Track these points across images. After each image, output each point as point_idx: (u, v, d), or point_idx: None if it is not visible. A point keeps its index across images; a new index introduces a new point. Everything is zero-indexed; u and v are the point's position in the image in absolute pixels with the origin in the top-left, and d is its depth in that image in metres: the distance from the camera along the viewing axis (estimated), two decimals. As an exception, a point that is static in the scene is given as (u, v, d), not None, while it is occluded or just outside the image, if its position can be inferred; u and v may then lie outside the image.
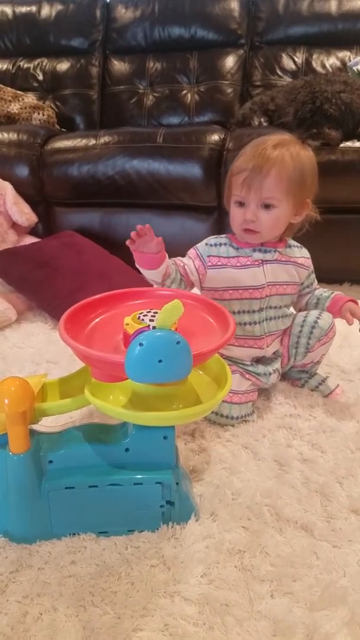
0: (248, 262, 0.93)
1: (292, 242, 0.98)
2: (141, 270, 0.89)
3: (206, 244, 0.96)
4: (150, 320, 0.60)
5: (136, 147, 1.69)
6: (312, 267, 1.00)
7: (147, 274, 0.89)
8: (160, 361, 0.55)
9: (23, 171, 1.75)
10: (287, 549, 0.67)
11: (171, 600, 0.59)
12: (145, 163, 1.66)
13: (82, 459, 0.66)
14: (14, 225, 1.72)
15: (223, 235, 0.97)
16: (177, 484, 0.67)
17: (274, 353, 1.00)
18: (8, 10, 2.29)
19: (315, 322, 0.96)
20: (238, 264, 0.93)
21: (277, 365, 1.00)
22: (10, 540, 0.68)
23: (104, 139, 1.74)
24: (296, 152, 0.87)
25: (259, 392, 1.01)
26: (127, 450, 0.66)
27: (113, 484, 0.66)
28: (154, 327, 0.57)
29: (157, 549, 0.67)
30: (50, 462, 0.66)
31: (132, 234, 0.84)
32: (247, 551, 0.67)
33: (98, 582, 0.61)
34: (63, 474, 0.66)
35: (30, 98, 2.12)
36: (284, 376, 1.06)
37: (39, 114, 2.07)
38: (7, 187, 1.68)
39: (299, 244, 1.00)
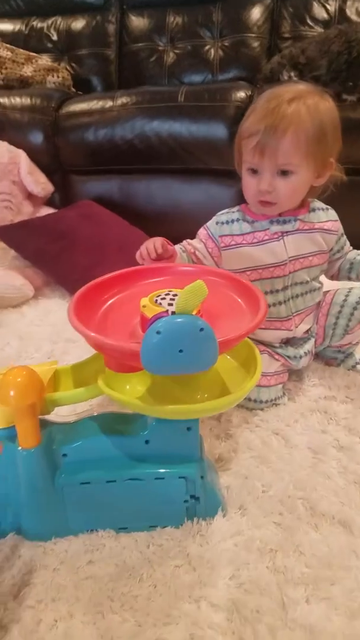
0: (266, 237, 0.83)
1: (317, 204, 0.87)
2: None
3: (217, 222, 0.87)
4: (169, 305, 0.52)
5: (156, 108, 1.59)
6: (341, 229, 0.89)
7: None
8: (181, 351, 0.48)
9: (37, 138, 1.67)
10: (324, 548, 0.61)
11: (197, 607, 0.54)
12: (166, 124, 1.56)
13: (98, 452, 0.61)
14: (30, 195, 1.65)
15: (235, 209, 0.87)
16: (202, 477, 0.62)
17: (307, 331, 0.92)
18: (19, -35, 2.16)
19: (358, 302, 0.87)
20: (255, 240, 0.84)
21: (308, 346, 0.92)
22: (25, 537, 0.64)
23: (122, 100, 1.63)
24: (314, 105, 0.75)
25: (290, 373, 0.93)
26: (147, 442, 0.61)
27: (132, 478, 0.61)
28: (173, 313, 0.50)
29: (181, 547, 0.62)
30: (65, 455, 0.61)
31: (143, 253, 0.78)
32: (279, 550, 0.61)
33: (117, 585, 0.57)
34: (78, 469, 0.61)
35: (45, 60, 2.02)
36: (317, 355, 0.99)
37: (53, 76, 1.97)
38: (20, 156, 1.61)
39: (324, 206, 0.88)
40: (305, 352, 0.91)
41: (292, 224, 0.83)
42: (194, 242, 0.87)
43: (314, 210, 0.86)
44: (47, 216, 1.56)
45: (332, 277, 0.94)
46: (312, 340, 0.92)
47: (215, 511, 0.65)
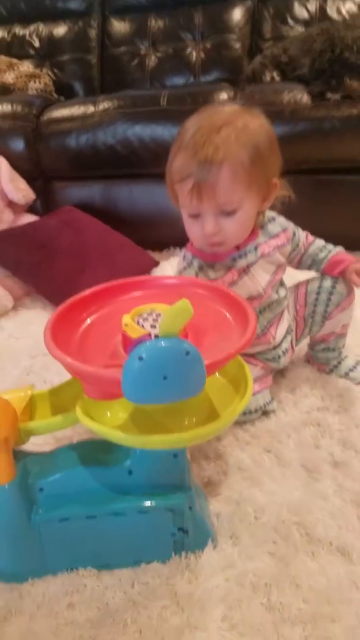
0: (235, 276, 0.77)
1: (265, 220, 0.81)
2: None
3: (179, 272, 0.80)
4: (152, 327, 0.48)
5: (138, 112, 1.55)
6: (292, 230, 0.83)
7: None
8: (165, 378, 0.44)
9: (18, 145, 1.62)
10: (322, 580, 0.58)
11: (187, 654, 0.50)
12: (148, 129, 1.52)
13: (78, 485, 0.57)
14: (10, 203, 1.60)
15: (189, 256, 0.79)
16: (190, 508, 0.58)
17: (286, 332, 0.88)
18: (0, -28, 2.11)
19: (333, 287, 0.84)
20: (228, 281, 0.77)
21: (286, 344, 0.88)
22: (-1, 578, 0.59)
23: (103, 104, 1.59)
24: (245, 129, 0.68)
25: (279, 383, 0.90)
26: (130, 472, 0.56)
27: (115, 513, 0.56)
28: (156, 336, 0.46)
29: (168, 585, 0.57)
30: (41, 490, 0.56)
31: None
32: (274, 584, 0.57)
33: (100, 633, 0.52)
34: (56, 504, 0.56)
35: (26, 66, 1.99)
36: (308, 361, 0.95)
37: (35, 82, 1.94)
38: (1, 163, 1.56)
39: (270, 216, 0.82)
40: (283, 351, 0.87)
41: (254, 253, 0.78)
42: None
43: (262, 227, 0.80)
44: (27, 225, 1.50)
45: (295, 267, 0.90)
46: (290, 336, 0.89)
47: (205, 543, 0.60)
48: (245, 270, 0.78)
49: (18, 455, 0.56)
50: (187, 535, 0.58)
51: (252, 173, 0.69)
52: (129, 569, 0.59)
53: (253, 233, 0.78)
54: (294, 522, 0.64)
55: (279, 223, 0.82)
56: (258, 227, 0.80)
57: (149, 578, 0.58)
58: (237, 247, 0.77)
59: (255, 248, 0.78)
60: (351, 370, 0.92)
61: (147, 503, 0.56)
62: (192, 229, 0.75)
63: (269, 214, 0.82)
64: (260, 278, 0.79)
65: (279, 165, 0.74)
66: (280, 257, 0.82)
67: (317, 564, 0.59)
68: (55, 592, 0.57)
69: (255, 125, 0.71)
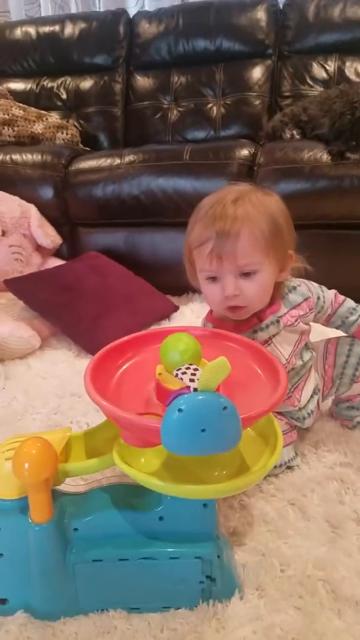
0: None
1: (285, 290, 0.81)
2: None
3: None
4: (191, 381, 0.51)
5: (162, 165, 1.63)
6: (316, 295, 0.84)
7: None
8: (203, 430, 0.46)
9: (47, 193, 1.71)
10: (349, 639, 0.58)
11: None
12: (171, 181, 1.60)
13: (110, 527, 0.59)
14: (39, 247, 1.68)
15: (210, 325, 0.80)
16: (218, 557, 0.59)
17: (312, 394, 0.88)
18: (32, 30, 2.27)
19: None
20: None
21: (312, 406, 0.88)
22: (33, 616, 0.61)
23: (129, 157, 1.68)
24: (260, 202, 0.72)
25: (303, 436, 0.91)
26: (161, 518, 0.58)
27: (146, 557, 0.58)
28: (195, 389, 0.49)
29: (197, 632, 0.58)
30: (76, 530, 0.58)
31: None
32: (301, 639, 0.57)
33: None
34: (90, 545, 0.58)
35: (54, 117, 2.09)
36: (332, 415, 0.97)
37: (62, 133, 2.04)
38: (31, 210, 1.64)
39: (291, 286, 0.82)
40: (309, 413, 0.88)
41: (275, 325, 0.78)
42: None
43: (283, 297, 0.81)
44: (55, 268, 1.57)
45: (323, 324, 0.90)
46: (316, 396, 0.90)
47: (232, 592, 0.61)
48: (267, 341, 0.78)
49: (55, 495, 0.58)
50: (214, 583, 0.60)
51: (270, 241, 0.71)
52: (158, 614, 0.60)
53: (275, 304, 0.79)
54: (320, 578, 0.65)
55: (301, 292, 0.82)
56: (279, 298, 0.80)
57: (178, 624, 0.59)
58: (259, 319, 0.78)
59: (277, 320, 0.78)
60: None
61: (177, 549, 0.58)
62: (212, 293, 0.75)
63: (290, 283, 0.82)
64: (282, 349, 0.79)
65: (294, 238, 0.76)
66: (303, 325, 0.82)
67: (344, 622, 0.59)
68: (87, 632, 0.58)
69: (270, 200, 0.74)
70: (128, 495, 0.61)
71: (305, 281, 0.85)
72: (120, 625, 0.59)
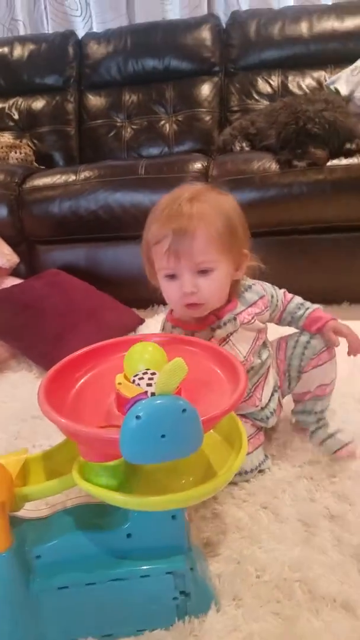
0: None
1: (241, 289, 0.83)
2: None
3: None
4: (148, 385, 0.50)
5: (118, 180, 1.64)
6: (269, 295, 0.85)
7: None
8: (163, 436, 0.45)
9: (1, 211, 1.68)
10: (328, 638, 0.56)
11: None
12: (128, 196, 1.61)
13: (75, 551, 0.56)
14: (-6, 268, 1.63)
15: (169, 326, 0.81)
16: (191, 569, 0.57)
17: (272, 392, 0.88)
18: (-20, 53, 2.25)
19: (308, 341, 0.85)
20: None
21: (273, 404, 0.87)
22: (-4, 654, 0.56)
23: (85, 174, 1.68)
24: (215, 201, 0.74)
25: (270, 437, 0.91)
26: (128, 536, 0.56)
27: (115, 578, 0.55)
28: (152, 394, 0.47)
29: (173, 653, 0.55)
30: (38, 557, 0.55)
31: None
32: (281, 646, 0.56)
33: None
34: (54, 571, 0.55)
35: (7, 137, 2.07)
36: (294, 428, 0.94)
37: (15, 152, 2.02)
38: (-16, 230, 1.60)
39: (247, 285, 0.83)
40: (271, 412, 0.87)
41: (233, 323, 0.79)
42: None
43: (239, 296, 0.82)
44: (13, 287, 1.53)
45: (275, 324, 0.90)
46: (276, 394, 0.89)
47: (208, 606, 0.59)
48: (225, 339, 0.79)
49: (14, 522, 0.55)
50: (189, 598, 0.57)
51: (225, 239, 0.73)
52: (132, 638, 0.57)
53: (231, 303, 0.80)
54: (296, 580, 0.63)
55: (256, 291, 0.84)
56: (235, 296, 0.81)
57: (153, 647, 0.56)
58: (217, 317, 0.79)
59: (235, 318, 0.79)
60: (328, 438, 0.88)
61: (147, 566, 0.55)
62: (169, 290, 0.76)
63: (246, 282, 0.83)
64: (240, 347, 0.80)
65: (248, 237, 0.78)
66: (260, 323, 0.83)
67: (322, 621, 0.58)
68: (55, 669, 0.54)
69: (225, 199, 0.76)
70: (93, 516, 0.59)
71: (259, 281, 0.86)
72: (92, 655, 0.56)
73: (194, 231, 0.71)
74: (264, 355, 0.85)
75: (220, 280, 0.75)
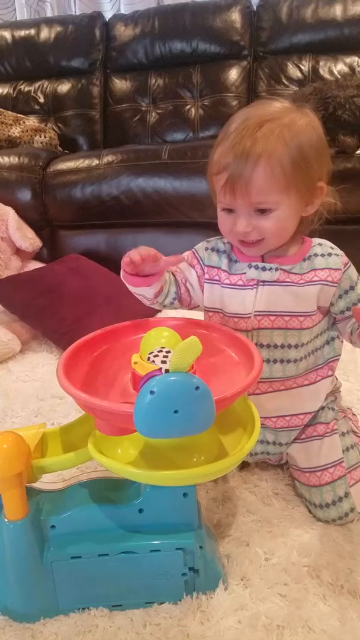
0: (240, 282, 0.70)
1: (319, 249, 0.70)
2: (129, 286, 0.72)
3: (206, 249, 0.75)
4: (163, 362, 0.50)
5: (141, 165, 1.63)
6: (350, 280, 0.70)
7: (137, 290, 0.72)
8: (176, 412, 0.45)
9: (25, 195, 1.70)
10: (334, 623, 0.57)
11: None
12: (150, 181, 1.60)
13: (89, 523, 0.57)
14: (18, 251, 1.66)
15: (225, 240, 0.74)
16: (200, 547, 0.58)
17: (280, 419, 0.74)
18: (7, 34, 2.26)
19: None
20: (227, 282, 0.71)
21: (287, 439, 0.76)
22: (11, 618, 0.59)
23: (107, 158, 1.68)
24: (289, 126, 0.62)
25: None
26: (140, 511, 0.57)
27: (126, 551, 0.56)
28: (166, 371, 0.48)
29: (180, 626, 0.57)
30: (53, 527, 0.57)
31: (134, 258, 0.67)
32: (287, 627, 0.56)
33: None
34: (68, 541, 0.57)
35: (32, 121, 2.08)
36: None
37: (40, 136, 2.03)
38: (9, 213, 1.62)
39: (329, 250, 0.71)
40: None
41: (271, 272, 0.69)
42: (183, 268, 0.76)
43: (310, 257, 0.70)
44: (35, 270, 1.55)
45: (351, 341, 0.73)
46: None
47: (216, 584, 0.60)
48: (254, 284, 0.70)
49: (31, 493, 0.57)
50: (197, 575, 0.58)
51: (292, 175, 0.63)
52: (141, 610, 0.59)
53: (295, 254, 0.70)
54: (304, 565, 0.64)
55: (332, 262, 0.70)
56: (306, 249, 0.71)
57: (161, 619, 0.57)
58: (263, 259, 0.71)
59: (277, 269, 0.69)
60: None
61: (158, 542, 0.56)
62: (224, 223, 0.69)
63: (329, 249, 0.72)
64: (260, 300, 0.69)
65: (328, 168, 0.68)
66: (312, 298, 0.69)
67: (329, 606, 0.59)
68: (68, 632, 0.56)
69: (303, 123, 0.64)
70: (107, 490, 0.60)
71: (346, 257, 0.72)
72: (101, 624, 0.57)
73: (253, 166, 0.62)
74: (298, 355, 0.71)
75: (281, 221, 0.66)
